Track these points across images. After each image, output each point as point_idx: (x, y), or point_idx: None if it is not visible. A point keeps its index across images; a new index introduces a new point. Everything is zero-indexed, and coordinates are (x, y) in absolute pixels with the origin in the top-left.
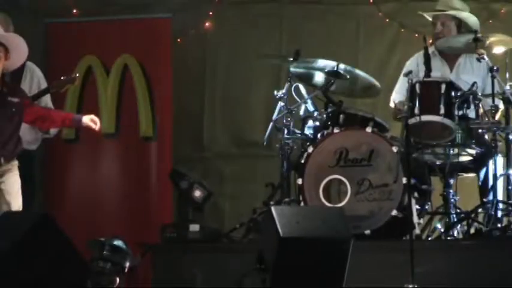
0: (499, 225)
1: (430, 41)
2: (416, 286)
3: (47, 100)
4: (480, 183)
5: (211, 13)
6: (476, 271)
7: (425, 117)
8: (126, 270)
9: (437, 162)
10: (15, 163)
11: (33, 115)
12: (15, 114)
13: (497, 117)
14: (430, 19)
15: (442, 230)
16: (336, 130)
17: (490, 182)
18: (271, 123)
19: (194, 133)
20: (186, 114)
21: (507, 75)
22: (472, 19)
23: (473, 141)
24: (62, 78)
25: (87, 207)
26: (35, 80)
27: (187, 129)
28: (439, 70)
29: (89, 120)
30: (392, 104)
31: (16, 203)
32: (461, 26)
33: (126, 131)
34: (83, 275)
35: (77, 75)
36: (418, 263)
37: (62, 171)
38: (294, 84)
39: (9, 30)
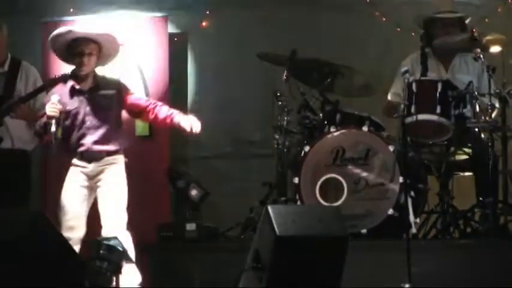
0: (496, 224)
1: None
2: (412, 285)
3: (43, 99)
4: (477, 182)
5: (208, 12)
6: (473, 271)
7: (422, 116)
8: (122, 269)
9: (434, 161)
10: (120, 157)
11: (134, 107)
12: (112, 108)
13: (493, 116)
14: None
15: (439, 229)
16: (332, 129)
17: (487, 181)
18: None
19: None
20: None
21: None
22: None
23: (470, 140)
24: (57, 76)
25: None
26: (30, 79)
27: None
28: (435, 70)
29: (188, 125)
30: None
31: (119, 198)
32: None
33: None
34: (79, 275)
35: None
36: (414, 262)
37: (58, 170)
38: (291, 84)
39: (2, 33)
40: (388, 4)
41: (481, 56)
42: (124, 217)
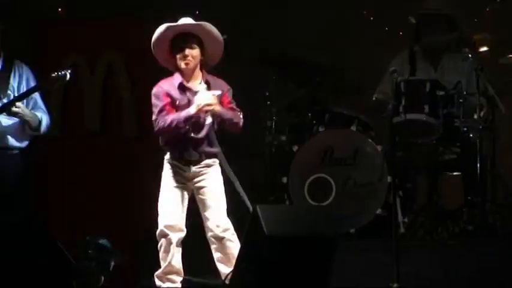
0: (484, 224)
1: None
2: (400, 285)
3: (36, 98)
4: (465, 181)
5: (197, 12)
6: (461, 270)
7: (410, 116)
8: (111, 269)
9: (422, 161)
10: (216, 160)
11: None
12: None
13: (481, 115)
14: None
15: (427, 229)
16: (320, 129)
17: (475, 181)
18: None
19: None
20: None
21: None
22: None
23: (458, 139)
24: (52, 75)
25: (72, 205)
26: (24, 78)
27: None
28: (424, 70)
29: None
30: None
31: (219, 202)
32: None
33: (111, 130)
34: (68, 274)
35: (69, 71)
36: (402, 262)
37: (47, 170)
38: (279, 84)
39: None
40: (377, 3)
41: (470, 55)
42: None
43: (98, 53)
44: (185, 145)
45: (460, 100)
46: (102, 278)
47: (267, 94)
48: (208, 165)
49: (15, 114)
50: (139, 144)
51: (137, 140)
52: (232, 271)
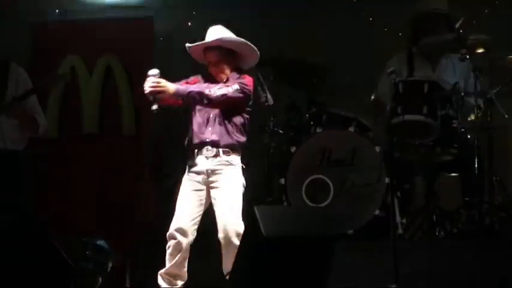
0: (481, 225)
1: None
2: (398, 286)
3: (34, 100)
4: (463, 182)
5: (194, 12)
6: (459, 271)
7: (408, 117)
8: (108, 270)
9: (420, 162)
10: (236, 158)
11: None
12: (236, 106)
13: (479, 116)
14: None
15: (425, 230)
16: (318, 130)
17: (473, 182)
18: None
19: (178, 132)
20: (169, 113)
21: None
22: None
23: (456, 140)
24: (50, 77)
25: (70, 206)
26: (20, 80)
27: (170, 128)
28: (422, 70)
29: None
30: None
31: (231, 204)
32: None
33: (109, 130)
34: (65, 275)
35: (68, 71)
36: (400, 263)
37: (46, 171)
38: (277, 85)
39: None
40: (375, 4)
41: (467, 56)
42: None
43: (97, 55)
44: (201, 141)
45: (458, 101)
46: (100, 279)
47: (266, 94)
48: (225, 163)
49: (14, 116)
50: (138, 144)
51: (136, 140)
52: (230, 273)
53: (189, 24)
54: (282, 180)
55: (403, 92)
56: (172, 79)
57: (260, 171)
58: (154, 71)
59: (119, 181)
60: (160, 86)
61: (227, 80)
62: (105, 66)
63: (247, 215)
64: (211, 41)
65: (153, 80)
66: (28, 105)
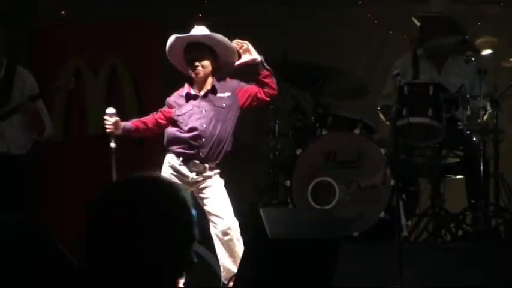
0: (487, 227)
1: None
2: None
3: (40, 105)
4: (468, 185)
5: (200, 15)
6: (464, 274)
7: (414, 119)
8: None
9: (425, 164)
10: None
11: (246, 98)
12: (227, 110)
13: (485, 119)
14: (418, 24)
15: (430, 232)
16: (324, 132)
17: (478, 184)
18: None
19: None
20: None
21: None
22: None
23: (461, 143)
24: (57, 82)
25: (75, 210)
26: (27, 84)
27: None
28: (427, 72)
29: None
30: (378, 106)
31: (223, 200)
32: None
33: None
34: (70, 277)
35: (73, 79)
36: (406, 265)
37: (50, 174)
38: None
39: None
40: (380, 6)
41: (473, 58)
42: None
43: (102, 56)
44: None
45: (464, 103)
46: None
47: None
48: (210, 176)
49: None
50: (143, 147)
51: (141, 143)
52: (236, 275)
53: (194, 26)
54: (288, 183)
55: (409, 94)
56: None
57: (265, 173)
58: (111, 110)
59: None
60: (114, 125)
61: (213, 87)
62: (110, 68)
63: (253, 217)
64: (202, 35)
65: (107, 120)
66: (36, 108)
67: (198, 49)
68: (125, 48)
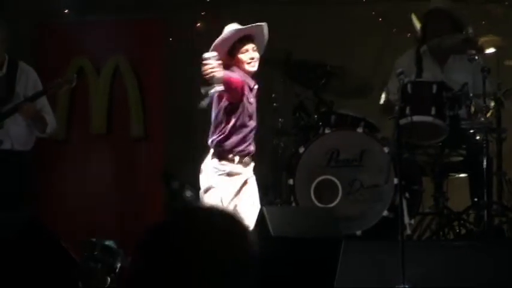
0: (490, 225)
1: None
2: (407, 287)
3: (43, 101)
4: (471, 183)
5: (203, 13)
6: (467, 272)
7: (417, 118)
8: (117, 270)
9: (428, 163)
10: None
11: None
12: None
13: (488, 117)
14: (418, 26)
15: (433, 231)
16: (327, 130)
17: (481, 182)
18: None
19: (186, 133)
20: (178, 114)
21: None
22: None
23: (464, 141)
24: (59, 79)
25: (78, 207)
26: (30, 81)
27: (179, 129)
28: (430, 70)
29: None
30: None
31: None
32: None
33: (117, 132)
34: (73, 276)
35: (75, 76)
36: (409, 263)
37: (52, 172)
38: (285, 85)
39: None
40: (384, 4)
41: (476, 57)
42: None
43: (105, 55)
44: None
45: (467, 102)
46: (108, 279)
47: (273, 96)
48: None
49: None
50: (145, 145)
51: (144, 141)
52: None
53: (199, 24)
54: (291, 181)
55: (412, 93)
56: (180, 80)
57: (268, 172)
58: (212, 53)
59: (127, 182)
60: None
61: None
62: (113, 67)
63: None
64: (260, 28)
65: (210, 63)
66: (38, 105)
67: (252, 42)
68: (129, 47)
